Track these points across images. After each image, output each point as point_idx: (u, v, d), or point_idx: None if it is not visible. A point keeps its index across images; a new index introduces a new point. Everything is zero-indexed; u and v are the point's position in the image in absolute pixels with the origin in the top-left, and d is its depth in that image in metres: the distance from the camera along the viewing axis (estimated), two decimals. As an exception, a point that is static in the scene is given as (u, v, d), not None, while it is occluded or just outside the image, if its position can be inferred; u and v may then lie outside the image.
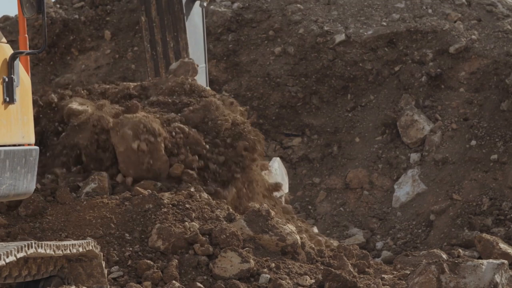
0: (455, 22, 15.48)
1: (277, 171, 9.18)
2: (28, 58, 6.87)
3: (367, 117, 14.78)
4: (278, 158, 9.39)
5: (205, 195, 9.47)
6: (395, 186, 13.79)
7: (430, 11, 15.85)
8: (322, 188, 14.29)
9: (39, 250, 6.11)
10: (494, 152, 13.32)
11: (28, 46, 6.82)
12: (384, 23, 15.58)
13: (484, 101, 14.06)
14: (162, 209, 9.01)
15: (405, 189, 13.64)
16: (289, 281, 8.62)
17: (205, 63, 10.28)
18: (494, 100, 13.96)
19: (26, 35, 6.82)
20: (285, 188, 9.59)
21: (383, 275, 9.45)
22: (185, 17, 10.16)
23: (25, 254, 5.89)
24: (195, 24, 10.56)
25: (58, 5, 16.89)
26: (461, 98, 14.28)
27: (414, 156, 13.93)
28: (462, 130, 13.86)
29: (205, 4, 11.20)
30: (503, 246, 11.01)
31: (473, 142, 13.59)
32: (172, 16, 10.15)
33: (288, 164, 14.90)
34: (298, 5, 15.89)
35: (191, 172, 9.54)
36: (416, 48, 15.11)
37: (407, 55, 15.10)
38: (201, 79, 10.03)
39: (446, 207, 13.15)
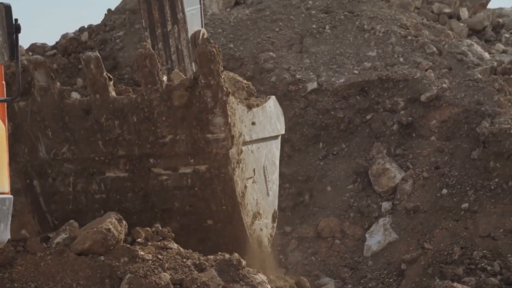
0: (426, 70, 15.56)
1: (272, 109, 8.89)
2: (5, 106, 6.71)
3: (338, 166, 14.75)
4: (273, 97, 9.09)
5: (174, 244, 9.36)
6: (367, 235, 13.72)
7: (401, 59, 15.94)
8: (294, 237, 14.19)
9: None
10: (465, 201, 13.30)
11: (5, 93, 6.69)
12: (356, 72, 15.64)
13: (455, 149, 14.07)
14: (134, 261, 8.89)
15: (377, 238, 13.57)
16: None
17: (200, 3, 10.02)
18: (465, 148, 13.98)
19: (4, 82, 6.71)
20: (282, 129, 9.31)
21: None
22: None
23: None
24: None
25: (30, 53, 16.85)
26: (432, 147, 14.29)
27: (386, 205, 13.89)
28: (433, 178, 13.84)
29: None
30: (474, 295, 10.97)
31: (444, 191, 13.57)
32: None
33: (260, 212, 14.84)
34: (271, 53, 15.94)
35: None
36: (387, 96, 15.16)
37: (379, 104, 15.13)
38: (196, 21, 9.79)
39: (417, 256, 13.09)
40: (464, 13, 19.28)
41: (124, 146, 7.62)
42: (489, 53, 16.90)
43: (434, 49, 16.35)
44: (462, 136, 14.19)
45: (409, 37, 16.67)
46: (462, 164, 13.77)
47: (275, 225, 8.77)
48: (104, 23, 17.93)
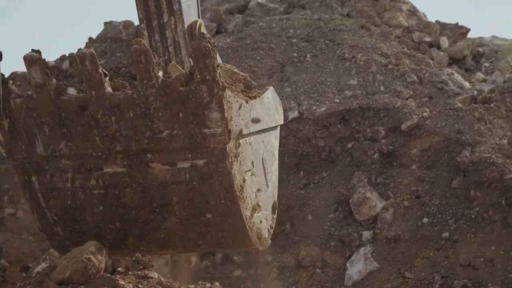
0: (407, 99, 15.61)
1: (270, 100, 8.80)
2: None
3: (319, 194, 14.73)
4: (271, 88, 8.97)
5: (155, 274, 9.30)
6: (348, 264, 13.68)
7: (382, 88, 15.98)
8: (275, 266, 14.14)
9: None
10: (445, 230, 13.29)
11: None
12: (337, 100, 15.66)
13: (436, 178, 14.09)
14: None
15: (358, 267, 13.53)
16: None
17: None
18: (445, 177, 13.99)
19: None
20: (280, 120, 9.22)
21: None
22: None
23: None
24: None
25: (11, 81, 16.77)
26: (413, 176, 14.30)
27: (367, 234, 13.86)
28: (414, 207, 13.84)
29: None
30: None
31: (425, 220, 13.56)
32: None
33: (241, 241, 14.77)
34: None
35: None
36: (368, 125, 15.18)
37: (360, 132, 15.15)
38: (193, 12, 9.71)
39: (398, 285, 13.05)
40: (444, 42, 19.40)
41: (121, 141, 7.59)
42: (469, 82, 16.98)
43: (415, 78, 16.42)
44: (442, 165, 14.20)
45: (390, 66, 16.75)
46: (443, 193, 13.77)
47: (275, 216, 8.72)
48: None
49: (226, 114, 7.23)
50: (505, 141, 14.21)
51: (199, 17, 9.54)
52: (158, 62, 8.70)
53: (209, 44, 7.07)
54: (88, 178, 7.83)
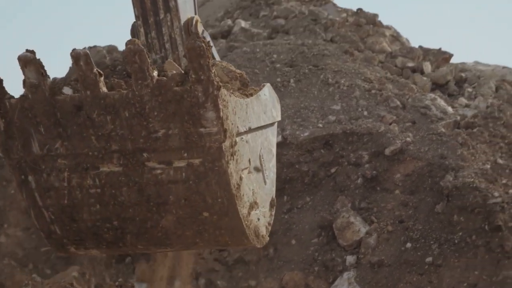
0: (390, 124, 15.64)
1: (267, 96, 8.76)
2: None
3: (303, 219, 14.71)
4: (268, 84, 8.94)
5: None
6: (331, 289, 13.66)
7: (365, 113, 16.01)
8: (258, 291, 14.10)
9: None
10: (429, 255, 13.28)
11: None
12: (321, 125, 15.68)
13: (419, 203, 14.09)
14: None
15: (341, 292, 13.51)
16: None
17: None
18: (429, 202, 14.00)
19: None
20: (278, 116, 9.18)
21: None
22: None
23: None
24: None
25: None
26: (396, 200, 14.30)
27: (350, 259, 13.83)
28: (398, 232, 13.83)
29: None
30: None
31: (409, 245, 13.55)
32: None
33: (224, 266, 14.71)
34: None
35: None
36: (352, 150, 15.19)
37: (343, 157, 15.16)
38: (189, 8, 9.66)
39: (382, 311, 13.04)
40: (427, 67, 19.49)
41: (117, 141, 7.59)
42: (452, 107, 17.05)
43: (398, 103, 16.47)
44: (426, 190, 14.21)
45: (373, 91, 16.79)
46: (426, 218, 13.77)
47: (273, 212, 8.69)
48: (69, 76, 17.88)
49: (221, 113, 7.23)
50: (488, 166, 14.25)
51: (195, 14, 9.53)
52: (155, 59, 8.72)
53: (203, 44, 7.07)
54: (85, 177, 7.84)
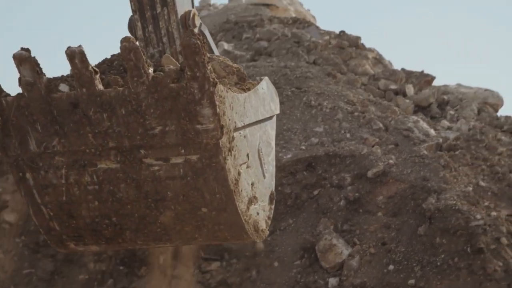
0: (373, 146, 15.66)
1: (265, 90, 8.69)
2: None
3: (285, 241, 14.68)
4: (266, 78, 8.87)
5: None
6: (314, 312, 13.61)
7: (348, 135, 16.04)
8: (241, 313, 14.05)
9: None
10: (411, 277, 13.26)
11: None
12: (303, 147, 15.68)
13: (402, 225, 14.09)
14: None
15: (324, 315, 13.47)
16: None
17: None
18: (411, 224, 14.00)
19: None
20: (276, 109, 9.12)
21: None
22: None
23: None
24: None
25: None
26: (379, 222, 14.30)
27: (333, 281, 13.80)
28: (380, 254, 13.82)
29: None
30: None
31: (391, 267, 13.53)
32: None
33: (206, 289, 14.65)
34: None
35: None
36: (334, 172, 15.20)
37: (326, 179, 15.15)
38: (187, 2, 9.60)
39: (364, 334, 13.00)
40: (410, 89, 19.57)
41: (114, 138, 7.57)
42: (435, 129, 17.10)
43: (381, 125, 16.51)
44: (408, 212, 14.22)
45: (356, 113, 16.83)
46: (409, 240, 13.77)
47: (272, 206, 8.65)
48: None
49: (218, 109, 7.22)
50: (470, 188, 14.28)
51: (192, 7, 9.51)
52: (152, 53, 8.71)
53: (198, 41, 7.06)
54: (82, 174, 7.83)
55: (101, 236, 8.09)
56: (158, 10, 9.18)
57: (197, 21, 9.01)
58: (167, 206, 7.79)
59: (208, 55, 8.13)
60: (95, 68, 7.32)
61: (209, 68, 7.10)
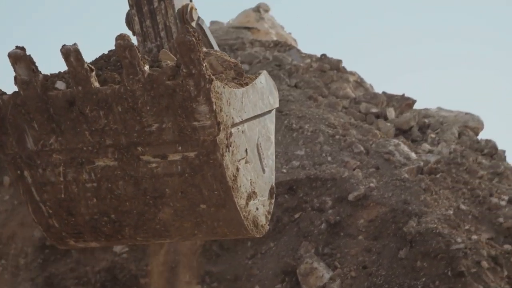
0: (354, 169, 15.68)
1: (263, 84, 8.60)
2: None
3: (267, 265, 14.64)
4: (265, 71, 8.76)
5: None
6: (295, 336, 13.57)
7: (329, 158, 16.05)
8: (221, 338, 13.98)
9: None
10: (392, 301, 13.28)
11: None
12: (284, 170, 15.69)
13: (383, 248, 14.09)
14: None
15: (305, 339, 13.42)
16: None
17: None
18: (392, 248, 14.00)
19: None
20: (275, 103, 9.02)
21: None
22: None
23: None
24: None
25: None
26: (360, 246, 14.29)
27: (314, 305, 13.79)
28: (361, 278, 13.80)
29: None
30: None
31: (372, 290, 13.54)
32: None
33: (187, 313, 14.58)
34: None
35: None
36: (315, 195, 15.20)
37: (307, 202, 15.15)
38: None
39: None
40: (391, 113, 19.63)
41: (111, 135, 7.54)
42: (416, 152, 17.15)
43: (362, 148, 16.53)
44: (389, 236, 14.23)
45: (337, 136, 16.86)
46: (390, 264, 13.77)
47: (273, 201, 8.56)
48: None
49: (214, 106, 7.20)
50: (451, 212, 14.31)
51: (190, 1, 9.46)
52: (150, 48, 8.65)
53: (193, 38, 7.05)
54: (80, 171, 7.81)
55: (100, 233, 8.06)
56: (155, 4, 9.16)
57: (195, 15, 8.95)
58: (166, 203, 7.77)
59: (205, 49, 8.14)
60: (90, 65, 7.31)
61: (204, 65, 7.08)
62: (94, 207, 7.98)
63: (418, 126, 19.51)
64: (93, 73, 7.33)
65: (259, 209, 8.24)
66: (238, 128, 7.92)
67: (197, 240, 10.71)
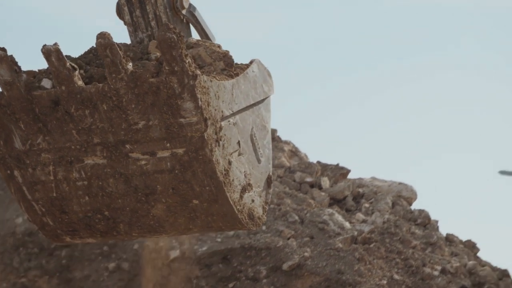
0: (288, 239, 15.68)
1: (255, 73, 8.30)
2: None
3: (200, 336, 14.51)
4: (257, 59, 8.44)
5: None
6: None
7: (264, 227, 16.04)
8: None
9: None
10: None
11: None
12: (219, 240, 15.62)
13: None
14: None
15: None
16: None
17: None
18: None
19: None
20: (270, 90, 8.71)
21: None
22: None
23: None
24: None
25: None
26: (296, 316, 14.26)
27: None
28: None
29: None
30: None
31: None
32: None
33: None
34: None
35: None
36: (250, 264, 15.14)
37: (241, 272, 15.08)
38: None
39: None
40: (325, 182, 19.73)
41: (98, 134, 7.38)
42: (350, 222, 17.23)
43: (296, 217, 16.56)
44: (322, 305, 14.23)
45: (272, 206, 16.88)
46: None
47: (270, 190, 8.35)
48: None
49: (200, 102, 7.07)
50: (385, 282, 14.37)
51: None
52: (141, 38, 8.47)
53: (174, 35, 6.96)
54: (70, 170, 7.65)
55: (95, 230, 7.89)
56: None
57: (186, 3, 8.77)
58: (158, 200, 7.63)
59: (195, 40, 8.11)
60: (73, 64, 7.22)
61: (187, 61, 6.99)
62: (87, 205, 7.83)
63: (353, 196, 19.62)
64: (76, 72, 7.25)
65: (255, 201, 8.10)
66: (229, 121, 7.80)
67: (193, 234, 10.59)
